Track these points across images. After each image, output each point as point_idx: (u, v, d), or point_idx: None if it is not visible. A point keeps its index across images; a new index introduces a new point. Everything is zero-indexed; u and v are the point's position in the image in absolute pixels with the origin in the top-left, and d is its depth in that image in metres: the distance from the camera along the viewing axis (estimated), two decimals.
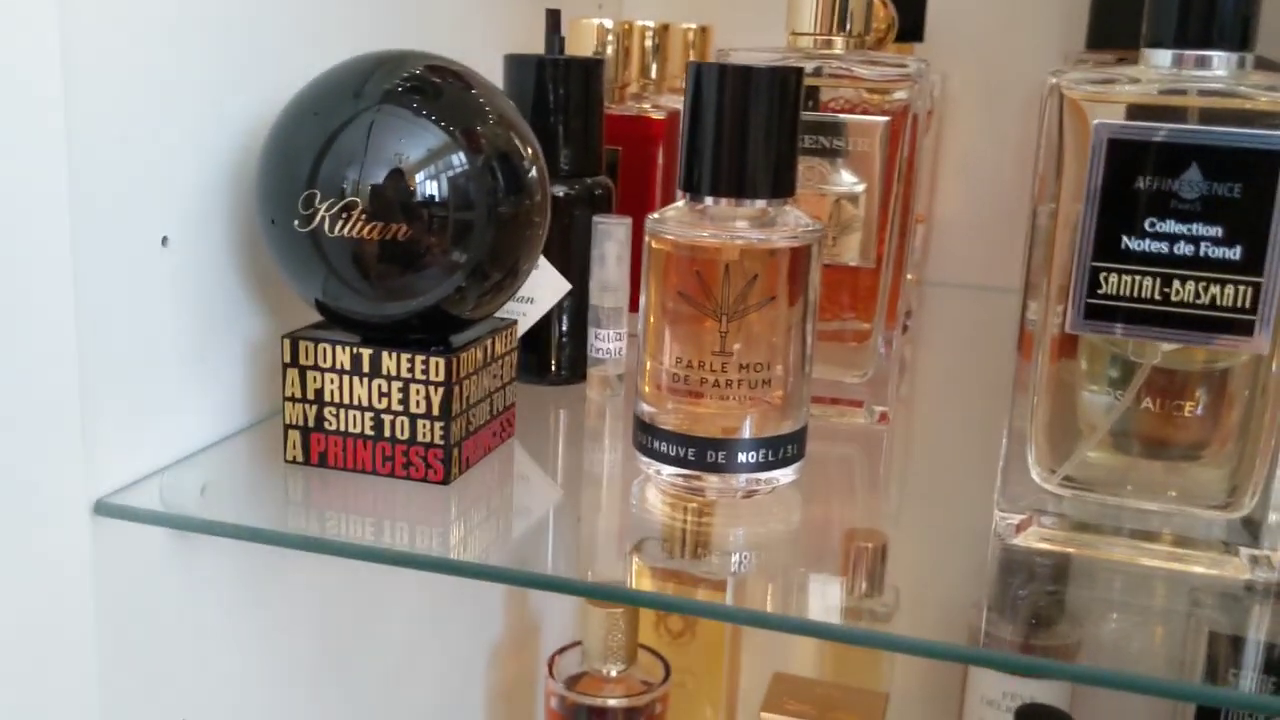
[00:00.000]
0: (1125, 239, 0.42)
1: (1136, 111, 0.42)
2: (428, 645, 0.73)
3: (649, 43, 0.77)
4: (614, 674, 0.75)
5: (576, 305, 0.60)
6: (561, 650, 0.77)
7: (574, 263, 0.60)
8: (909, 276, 0.82)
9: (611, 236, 0.58)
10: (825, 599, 0.46)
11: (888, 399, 0.59)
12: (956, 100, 0.89)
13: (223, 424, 0.51)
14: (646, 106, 0.70)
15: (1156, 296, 0.42)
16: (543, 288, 0.60)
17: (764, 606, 0.45)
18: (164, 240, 0.47)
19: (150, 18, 0.45)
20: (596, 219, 0.58)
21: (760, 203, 0.46)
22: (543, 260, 0.59)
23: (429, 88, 0.47)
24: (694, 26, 0.84)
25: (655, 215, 0.47)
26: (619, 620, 0.75)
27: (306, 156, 0.45)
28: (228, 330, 0.51)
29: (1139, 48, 0.51)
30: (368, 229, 0.45)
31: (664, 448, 0.47)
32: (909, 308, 0.76)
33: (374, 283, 0.46)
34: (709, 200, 0.46)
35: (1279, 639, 0.43)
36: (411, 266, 0.46)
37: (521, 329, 0.60)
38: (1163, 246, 0.41)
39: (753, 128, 0.45)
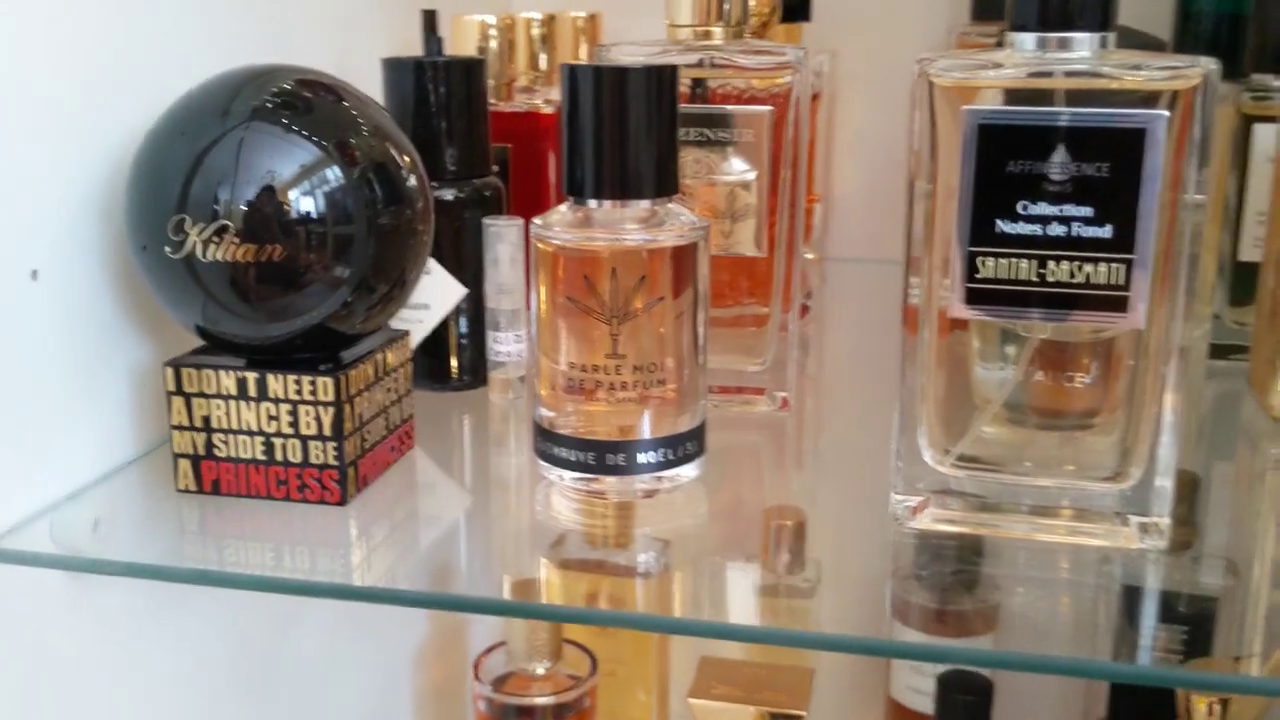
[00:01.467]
0: (999, 222, 0.42)
1: (1005, 96, 0.42)
2: (348, 655, 0.72)
3: (535, 33, 0.76)
4: (540, 671, 0.75)
5: (473, 309, 0.60)
6: (487, 651, 0.77)
7: (468, 266, 0.59)
8: (809, 256, 0.82)
9: (503, 238, 0.58)
10: (745, 589, 0.46)
11: (787, 384, 0.60)
12: (847, 78, 0.89)
13: (112, 455, 0.50)
14: (536, 101, 0.69)
15: (1033, 278, 0.42)
16: (437, 293, 0.59)
17: (679, 608, 0.46)
18: (34, 274, 0.45)
19: (4, 44, 0.43)
20: (487, 221, 0.58)
21: (645, 203, 0.46)
22: (435, 265, 0.59)
23: (299, 102, 0.46)
24: (582, 15, 0.83)
25: (540, 220, 0.47)
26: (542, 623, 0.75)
27: (175, 179, 0.44)
28: (109, 360, 0.49)
29: None
30: (242, 251, 0.44)
31: (564, 453, 0.47)
32: (809, 289, 0.77)
33: (254, 305, 0.45)
34: (593, 203, 0.46)
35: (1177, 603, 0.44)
36: (292, 286, 0.45)
37: (418, 336, 0.59)
38: (1036, 228, 0.42)
39: (631, 128, 0.45)
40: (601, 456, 0.46)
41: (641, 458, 0.46)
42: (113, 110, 0.49)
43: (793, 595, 0.48)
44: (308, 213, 0.44)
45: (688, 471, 0.48)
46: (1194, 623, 0.45)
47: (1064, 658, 0.43)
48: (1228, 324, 0.67)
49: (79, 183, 0.47)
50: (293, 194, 0.44)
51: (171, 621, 0.54)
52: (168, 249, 0.44)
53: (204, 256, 0.44)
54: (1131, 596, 0.46)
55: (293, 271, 0.45)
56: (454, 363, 0.61)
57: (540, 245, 0.47)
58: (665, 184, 0.46)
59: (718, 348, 0.58)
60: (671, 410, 0.47)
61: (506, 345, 0.59)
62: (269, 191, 0.44)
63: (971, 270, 0.43)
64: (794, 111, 0.56)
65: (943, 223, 0.44)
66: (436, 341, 0.60)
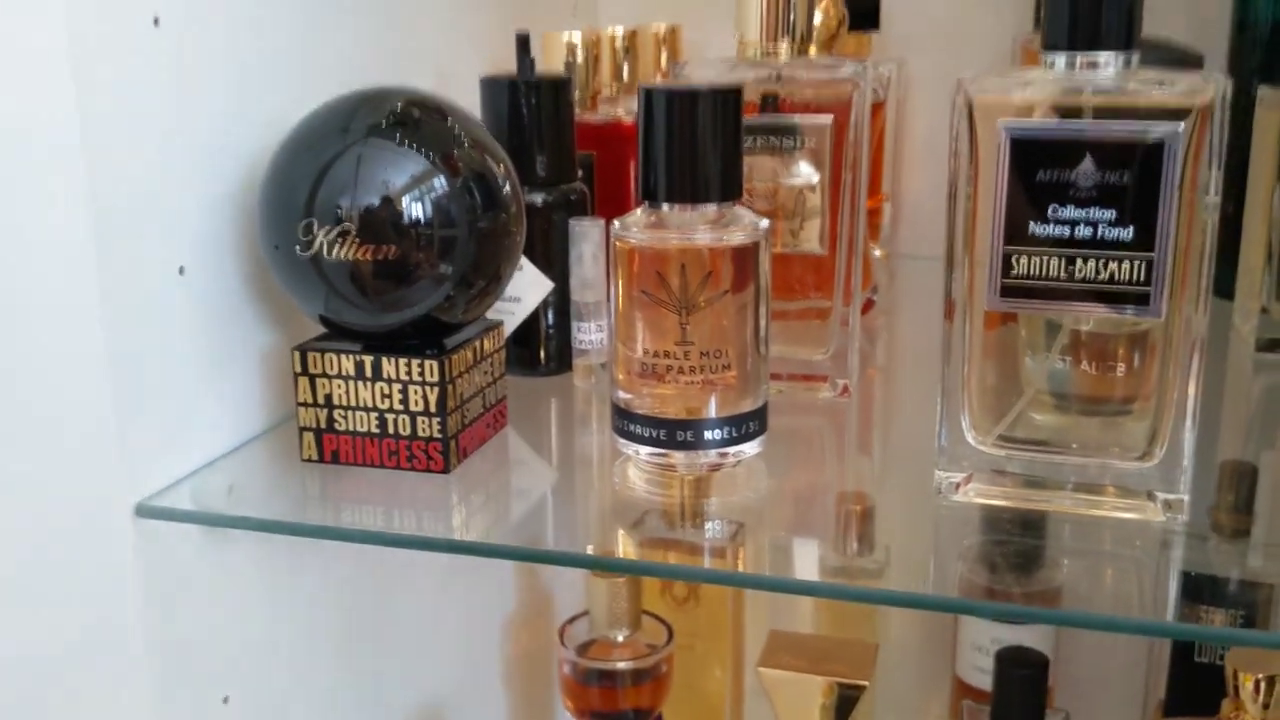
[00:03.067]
0: (1032, 224, 0.47)
1: (1046, 111, 0.47)
2: (445, 620, 0.79)
3: (619, 45, 0.82)
4: (620, 639, 0.81)
5: (559, 302, 0.66)
6: (571, 620, 0.83)
7: (555, 263, 0.65)
8: (878, 253, 0.87)
9: (587, 238, 0.64)
10: (809, 557, 0.52)
11: (848, 372, 0.65)
12: (917, 83, 0.93)
13: (244, 429, 0.57)
14: (619, 112, 0.75)
15: (1062, 275, 0.47)
16: (528, 288, 0.65)
17: (748, 567, 0.51)
18: (180, 270, 0.52)
19: (157, 66, 0.50)
20: (572, 222, 0.64)
21: (711, 206, 0.52)
22: (526, 263, 0.65)
23: (409, 120, 0.53)
24: (664, 27, 0.89)
25: (618, 222, 0.53)
26: (621, 589, 0.81)
27: (302, 188, 0.51)
28: (242, 345, 0.56)
29: None
30: (362, 251, 0.50)
31: (639, 430, 0.53)
32: (874, 284, 0.82)
33: (371, 298, 0.52)
34: (665, 207, 0.52)
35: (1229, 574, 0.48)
36: (404, 281, 0.51)
37: (510, 326, 0.66)
38: (1065, 230, 0.46)
39: (699, 141, 0.51)
40: (672, 433, 0.52)
41: (708, 434, 0.52)
42: (249, 127, 0.56)
43: (861, 577, 0.53)
44: (417, 218, 0.51)
45: (751, 448, 0.53)
46: (1248, 606, 0.49)
47: (1130, 619, 0.47)
48: (1276, 317, 0.70)
49: (220, 191, 0.54)
50: (404, 201, 0.51)
51: (290, 579, 0.62)
52: (297, 248, 0.51)
53: (329, 256, 0.50)
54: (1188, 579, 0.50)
55: (404, 269, 0.51)
56: (542, 351, 0.67)
57: (618, 244, 0.52)
58: (729, 189, 0.52)
59: (786, 338, 0.64)
60: (735, 392, 0.53)
61: (589, 335, 0.64)
62: (384, 199, 0.50)
63: (1007, 267, 0.48)
64: (854, 121, 0.61)
65: (981, 224, 0.49)
66: (527, 331, 0.66)
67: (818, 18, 0.75)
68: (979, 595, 0.48)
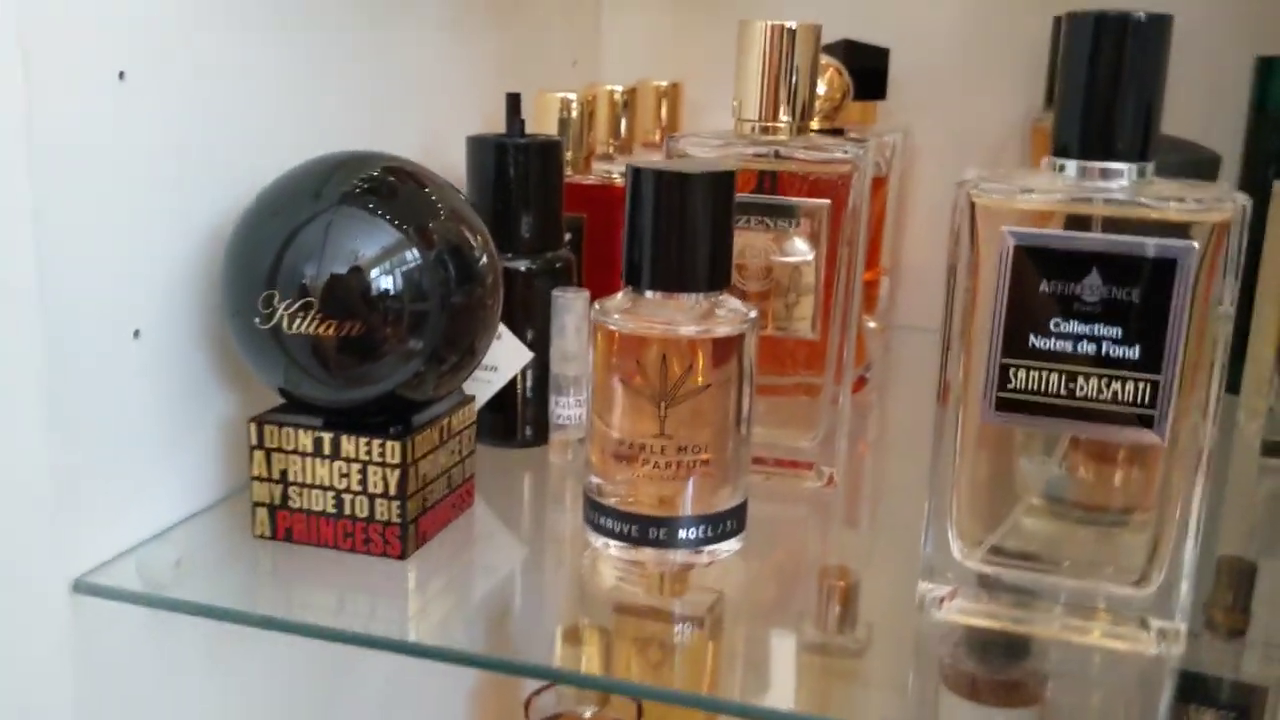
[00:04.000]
0: (1032, 337, 0.44)
1: (1043, 218, 0.44)
2: (405, 691, 0.76)
3: (619, 99, 0.80)
4: (588, 715, 0.78)
5: (539, 372, 0.63)
6: (537, 692, 0.80)
7: (537, 333, 0.63)
8: (872, 325, 0.84)
9: (570, 309, 0.61)
10: (789, 649, 0.49)
11: (835, 459, 0.62)
12: (922, 151, 0.91)
13: (196, 499, 0.54)
14: (612, 174, 0.72)
15: (1062, 391, 0.44)
16: (506, 357, 0.63)
17: (718, 674, 0.48)
18: (135, 333, 0.50)
19: (119, 121, 0.48)
20: (556, 292, 0.61)
21: (697, 296, 0.49)
22: (505, 331, 0.62)
23: (384, 188, 0.50)
24: (665, 83, 0.87)
25: (599, 305, 0.50)
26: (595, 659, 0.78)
27: (266, 255, 0.48)
28: (199, 412, 0.54)
29: None
30: (324, 326, 0.48)
31: (609, 523, 0.50)
32: (869, 361, 0.79)
33: (333, 373, 0.49)
34: (649, 293, 0.49)
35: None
36: (369, 357, 0.49)
37: (486, 395, 0.63)
38: (1067, 345, 0.44)
39: (687, 227, 0.48)
40: (645, 530, 0.49)
41: (682, 533, 0.49)
42: (219, 186, 0.53)
43: (840, 655, 0.50)
44: (387, 290, 0.48)
45: (728, 546, 0.51)
46: (1243, 711, 0.46)
47: None
48: None
49: (181, 252, 0.52)
50: (374, 273, 0.48)
51: (243, 656, 0.59)
52: (257, 320, 0.48)
53: (289, 329, 0.48)
54: (1181, 682, 0.47)
55: (370, 344, 0.48)
56: (519, 422, 0.64)
57: (597, 331, 0.50)
58: (717, 279, 0.49)
59: (772, 418, 0.61)
60: (713, 488, 0.50)
61: (568, 409, 0.62)
62: (352, 271, 0.48)
63: (1004, 380, 0.45)
64: (852, 204, 0.59)
65: (979, 330, 0.46)
66: (503, 401, 0.63)
67: (821, 88, 0.73)
68: None
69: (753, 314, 0.50)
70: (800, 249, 0.61)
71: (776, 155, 0.59)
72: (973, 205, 0.45)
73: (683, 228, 0.48)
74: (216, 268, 0.52)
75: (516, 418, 0.64)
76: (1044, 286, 0.44)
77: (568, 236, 0.68)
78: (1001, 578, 0.48)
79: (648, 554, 0.50)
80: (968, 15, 0.90)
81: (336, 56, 0.62)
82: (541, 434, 0.64)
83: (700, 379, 0.49)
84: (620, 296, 0.50)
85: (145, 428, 0.51)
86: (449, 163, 0.65)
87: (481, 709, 0.85)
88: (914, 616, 0.49)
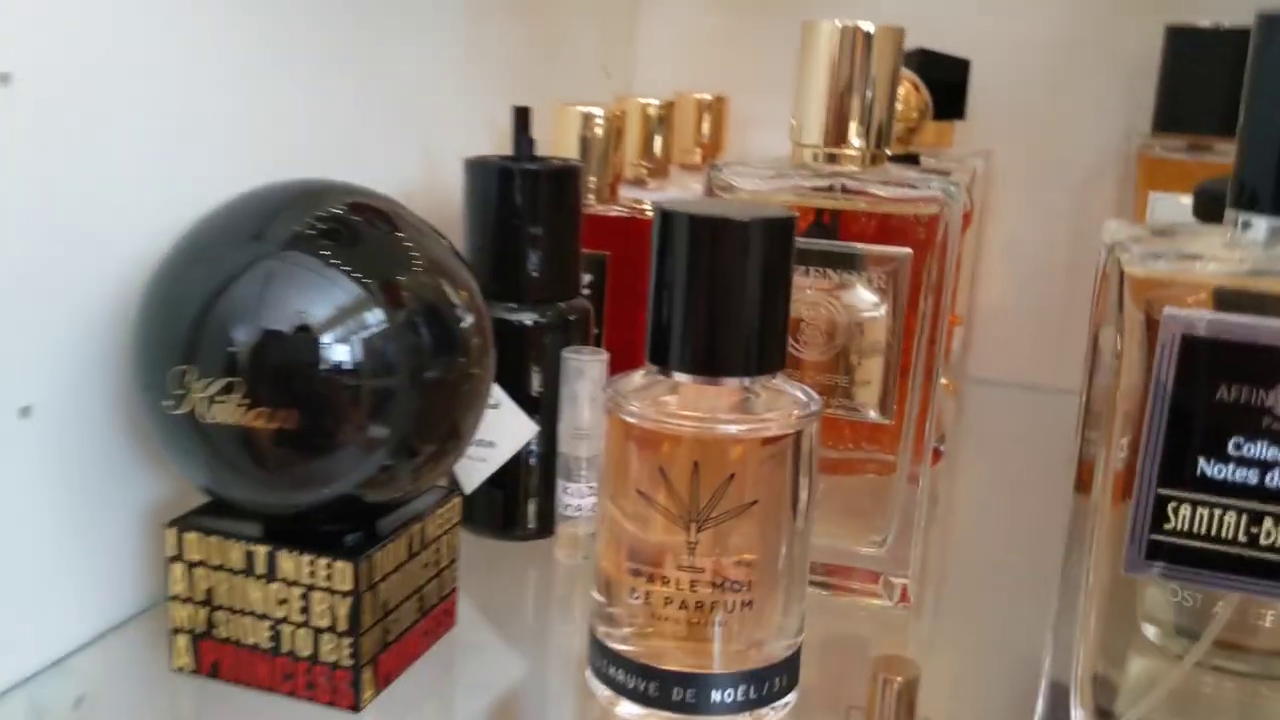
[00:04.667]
0: (1202, 462, 0.32)
1: (1221, 298, 0.32)
2: None
3: (653, 114, 0.68)
4: None
5: (545, 448, 0.52)
6: None
7: (544, 400, 0.51)
8: (943, 381, 0.72)
9: (584, 374, 0.50)
10: None
11: (909, 567, 0.50)
12: (1002, 179, 0.79)
13: (105, 615, 0.43)
14: (644, 203, 0.61)
15: (1242, 538, 0.32)
16: (505, 430, 0.51)
17: None
18: (24, 410, 0.39)
19: (4, 136, 0.37)
20: (566, 354, 0.50)
21: (741, 381, 0.37)
22: (505, 398, 0.51)
23: (345, 230, 0.39)
24: (708, 96, 0.75)
25: (612, 387, 0.39)
26: None
27: (183, 315, 0.37)
28: (107, 507, 0.43)
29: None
30: (253, 415, 0.36)
31: (620, 677, 0.38)
32: (943, 431, 0.67)
33: (271, 470, 0.38)
34: (678, 377, 0.38)
35: None
36: (317, 451, 0.37)
37: (479, 477, 0.52)
38: (1251, 475, 0.32)
39: (733, 292, 0.36)
40: (667, 689, 0.38)
41: (716, 695, 0.38)
42: (134, 221, 0.42)
43: None
44: (339, 363, 0.37)
45: (773, 713, 0.39)
46: None
47: None
48: None
49: (82, 307, 0.41)
50: (324, 339, 0.37)
51: None
52: (167, 403, 0.37)
53: (206, 417, 0.37)
54: None
55: (318, 436, 0.37)
56: (520, 509, 0.53)
57: (609, 418, 0.38)
58: (770, 359, 0.38)
59: (823, 511, 0.49)
60: (757, 633, 0.38)
61: (578, 498, 0.50)
62: (295, 336, 0.36)
63: (1159, 518, 0.33)
64: (938, 247, 0.47)
65: (1124, 447, 0.34)
66: (502, 481, 0.52)
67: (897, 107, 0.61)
68: None
69: (814, 405, 0.38)
70: (866, 301, 0.49)
71: (844, 190, 0.47)
72: (1122, 275, 0.33)
73: (727, 291, 0.37)
74: (129, 329, 0.41)
75: (517, 503, 0.53)
76: (1222, 393, 0.32)
77: (587, 279, 0.57)
78: None
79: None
80: (1059, 20, 0.77)
81: (305, 55, 0.50)
82: (545, 525, 0.53)
83: (744, 492, 0.37)
84: (641, 375, 0.39)
85: (38, 526, 0.40)
86: (448, 191, 0.53)
87: None
88: None
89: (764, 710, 0.39)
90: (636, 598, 0.38)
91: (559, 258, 0.52)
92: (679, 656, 0.38)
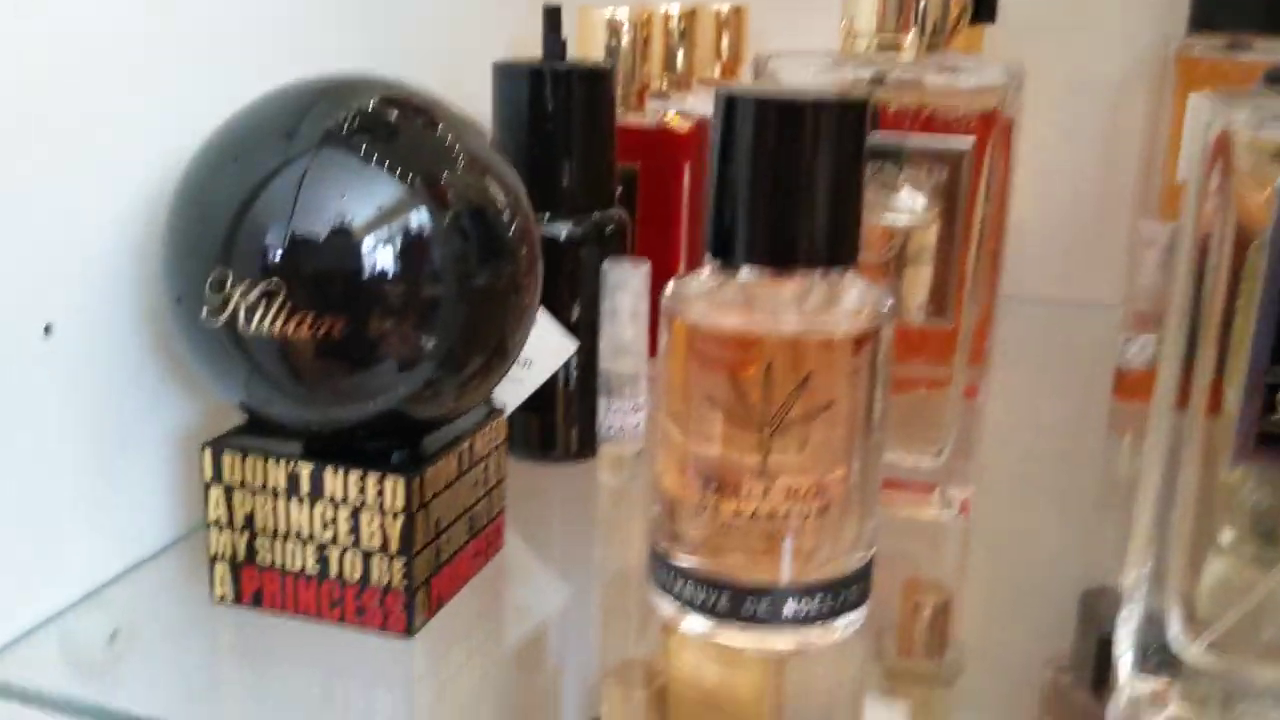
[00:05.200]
0: None
1: None
2: None
3: (674, 27, 0.65)
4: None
5: (585, 367, 0.50)
6: None
7: (582, 317, 0.49)
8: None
9: (625, 286, 0.47)
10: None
11: (969, 479, 0.48)
12: (1032, 90, 0.76)
13: (141, 545, 0.41)
14: (670, 114, 0.58)
15: None
16: (543, 348, 0.49)
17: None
18: (47, 329, 0.36)
19: (22, 44, 0.34)
20: (607, 264, 0.48)
21: (813, 274, 0.35)
22: (543, 315, 0.49)
23: (381, 125, 0.36)
24: (726, 8, 0.72)
25: (672, 289, 0.36)
26: (641, 706, 0.65)
27: (218, 219, 0.35)
28: (140, 432, 0.41)
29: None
30: (296, 322, 0.34)
31: (688, 590, 0.36)
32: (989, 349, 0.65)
33: (311, 386, 0.35)
34: (746, 272, 0.35)
35: None
36: (361, 363, 0.35)
37: (518, 398, 0.49)
38: None
39: (804, 177, 0.34)
40: (738, 602, 0.36)
41: (790, 607, 0.36)
42: (159, 124, 0.40)
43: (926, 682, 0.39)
44: (384, 270, 0.35)
45: (847, 623, 0.37)
46: None
47: None
48: None
49: (108, 216, 0.38)
50: (367, 243, 0.34)
51: None
52: (205, 311, 0.35)
53: (247, 327, 0.34)
54: None
55: (361, 346, 0.35)
56: (559, 431, 0.50)
57: (668, 325, 0.36)
58: (844, 250, 0.35)
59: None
60: (830, 546, 0.36)
61: (622, 416, 0.48)
62: (335, 238, 0.34)
63: (1269, 406, 0.31)
64: (994, 143, 0.45)
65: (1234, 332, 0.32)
66: (539, 404, 0.50)
67: None
68: None
69: (889, 301, 0.36)
70: (913, 205, 0.47)
71: (899, 82, 0.45)
72: (1228, 144, 0.31)
73: (798, 178, 0.34)
74: (157, 239, 0.38)
75: (556, 425, 0.50)
76: None
77: (618, 191, 0.54)
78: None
79: (747, 632, 0.36)
80: None
81: None
82: (587, 447, 0.51)
83: (819, 395, 0.35)
84: (704, 275, 0.36)
85: (66, 454, 0.38)
86: (468, 97, 0.51)
87: None
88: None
89: (837, 622, 0.37)
90: (705, 510, 0.36)
91: (593, 165, 0.49)
92: (750, 569, 0.36)
